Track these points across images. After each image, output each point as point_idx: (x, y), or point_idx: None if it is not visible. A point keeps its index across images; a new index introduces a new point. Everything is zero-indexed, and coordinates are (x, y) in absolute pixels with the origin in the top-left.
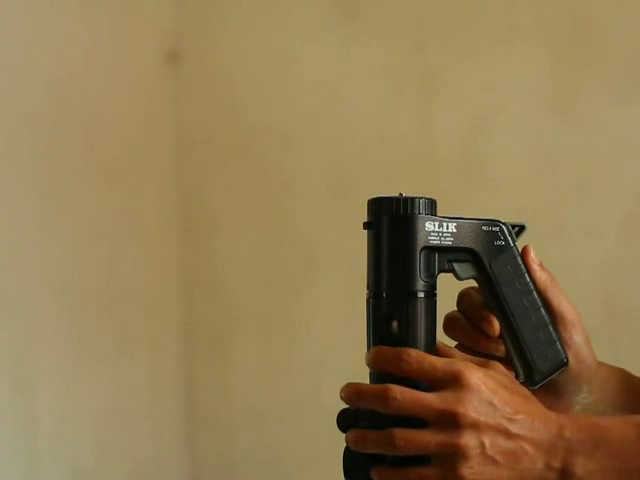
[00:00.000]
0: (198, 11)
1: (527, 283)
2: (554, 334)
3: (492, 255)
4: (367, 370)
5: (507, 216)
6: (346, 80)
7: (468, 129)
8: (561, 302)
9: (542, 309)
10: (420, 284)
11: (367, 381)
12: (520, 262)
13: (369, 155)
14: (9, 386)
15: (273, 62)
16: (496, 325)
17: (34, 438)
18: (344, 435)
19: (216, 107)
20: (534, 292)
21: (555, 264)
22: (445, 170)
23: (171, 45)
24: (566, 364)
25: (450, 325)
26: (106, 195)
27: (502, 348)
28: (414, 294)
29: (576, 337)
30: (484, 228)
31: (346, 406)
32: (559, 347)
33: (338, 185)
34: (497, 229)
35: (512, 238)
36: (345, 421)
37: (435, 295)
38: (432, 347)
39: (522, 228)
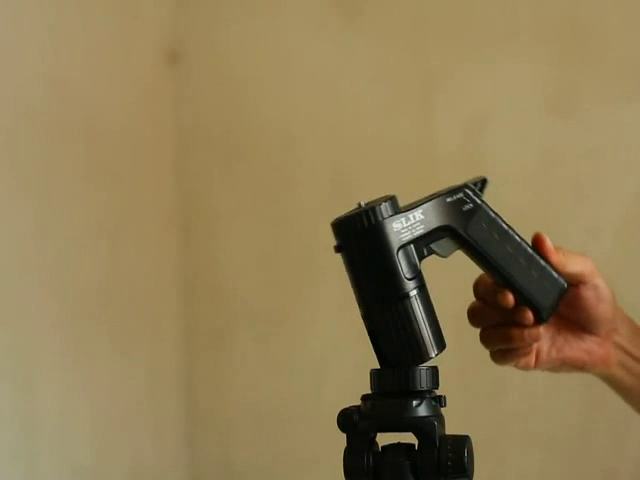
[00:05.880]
0: (198, 11)
1: (505, 230)
2: (544, 263)
3: (465, 222)
4: (368, 370)
5: (507, 216)
6: (347, 80)
7: (468, 129)
8: (576, 263)
9: (523, 244)
10: (407, 284)
11: (368, 382)
12: (493, 215)
13: (370, 155)
14: (9, 386)
15: (273, 62)
16: (509, 297)
17: (34, 438)
18: (344, 435)
19: (216, 107)
20: (512, 234)
21: None
22: (445, 170)
23: (171, 45)
24: (567, 288)
25: (475, 316)
26: (106, 195)
27: (529, 315)
28: (405, 296)
29: (596, 281)
30: (448, 200)
31: (347, 406)
32: (554, 275)
33: (339, 185)
34: (461, 195)
35: (478, 196)
36: (345, 421)
37: (424, 285)
38: (439, 332)
39: (484, 181)
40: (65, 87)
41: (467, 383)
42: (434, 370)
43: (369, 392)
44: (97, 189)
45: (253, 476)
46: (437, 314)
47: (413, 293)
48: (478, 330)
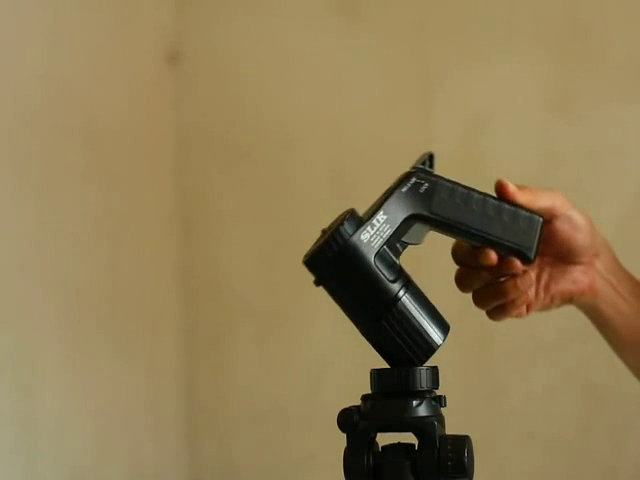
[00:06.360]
0: (198, 11)
1: (466, 193)
2: (513, 207)
3: (427, 203)
4: (368, 370)
5: None
6: (346, 80)
7: (468, 129)
8: (545, 198)
9: (487, 198)
10: (394, 288)
11: (368, 382)
12: (449, 184)
13: (370, 155)
14: (9, 386)
15: (273, 62)
16: (491, 254)
17: (34, 438)
18: (344, 435)
19: (216, 107)
20: (474, 193)
21: None
22: (445, 170)
23: (171, 45)
24: (543, 220)
25: (462, 283)
26: (106, 195)
27: (516, 263)
28: (395, 299)
29: (569, 212)
30: (404, 189)
31: (347, 406)
32: (526, 213)
33: (338, 185)
34: (414, 179)
35: (430, 174)
36: (345, 421)
37: (410, 279)
38: (439, 317)
39: (431, 157)
40: (65, 87)
41: (467, 383)
42: (434, 370)
43: (369, 392)
44: (97, 189)
45: (253, 476)
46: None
47: (402, 293)
48: (477, 329)
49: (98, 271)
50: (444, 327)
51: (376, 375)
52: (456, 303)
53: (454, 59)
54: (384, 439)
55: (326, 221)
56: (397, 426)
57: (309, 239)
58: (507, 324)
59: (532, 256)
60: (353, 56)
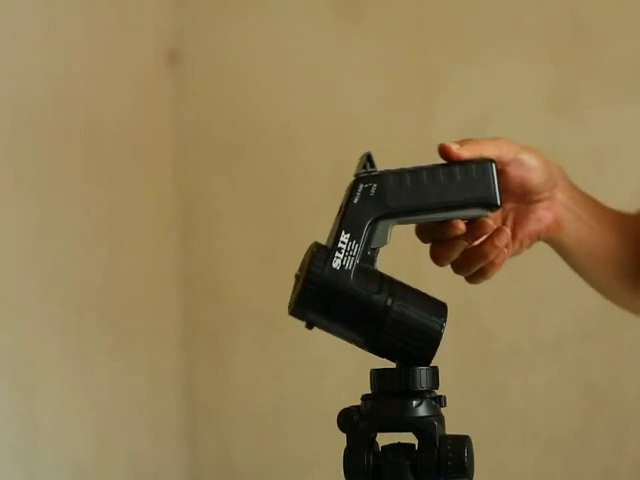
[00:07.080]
0: (198, 11)
1: (413, 175)
2: (458, 165)
3: (382, 203)
4: (368, 370)
5: None
6: (346, 80)
7: (468, 129)
8: (491, 148)
9: (434, 168)
10: (380, 299)
11: (368, 382)
12: (395, 176)
13: None
14: (9, 386)
15: (273, 62)
16: (458, 224)
17: (34, 438)
18: (344, 435)
19: (216, 107)
20: (420, 170)
21: (555, 262)
22: None
23: (171, 45)
24: (494, 162)
25: (438, 258)
26: (106, 195)
27: (488, 222)
28: (386, 309)
29: (518, 156)
30: (355, 200)
31: (347, 406)
32: (475, 164)
33: (339, 185)
34: (360, 186)
35: (373, 174)
36: (345, 421)
37: (393, 280)
38: (433, 304)
39: (369, 157)
40: (65, 87)
41: (467, 383)
42: (434, 370)
43: (369, 392)
44: (97, 189)
45: (253, 476)
46: None
47: (390, 301)
48: (477, 329)
49: (98, 271)
50: (441, 311)
51: (376, 375)
52: (456, 303)
53: (454, 59)
54: (384, 439)
55: (326, 221)
56: (397, 426)
57: (309, 239)
58: (507, 324)
59: (498, 201)
60: (353, 56)
